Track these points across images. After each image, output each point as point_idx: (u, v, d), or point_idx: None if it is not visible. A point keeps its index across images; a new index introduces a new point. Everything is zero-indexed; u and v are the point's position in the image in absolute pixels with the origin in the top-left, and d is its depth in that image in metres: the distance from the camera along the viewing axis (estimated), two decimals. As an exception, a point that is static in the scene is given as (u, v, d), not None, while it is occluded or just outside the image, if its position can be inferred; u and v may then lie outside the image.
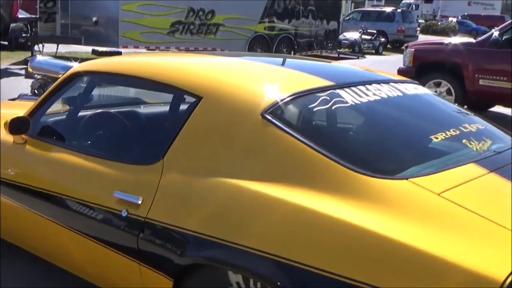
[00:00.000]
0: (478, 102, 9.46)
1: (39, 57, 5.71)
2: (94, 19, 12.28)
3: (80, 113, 2.84)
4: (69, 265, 2.62)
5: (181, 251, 1.92)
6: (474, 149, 2.09)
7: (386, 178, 1.75)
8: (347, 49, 21.83)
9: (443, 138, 2.08)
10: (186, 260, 1.91)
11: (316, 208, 1.71)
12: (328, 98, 2.11)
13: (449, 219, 1.61)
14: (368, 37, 23.33)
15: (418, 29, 37.66)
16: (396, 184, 1.74)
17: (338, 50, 19.75)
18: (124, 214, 2.13)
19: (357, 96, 2.19)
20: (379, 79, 2.51)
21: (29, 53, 12.02)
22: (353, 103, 2.13)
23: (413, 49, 9.48)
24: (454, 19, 42.32)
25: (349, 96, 2.16)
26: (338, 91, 2.19)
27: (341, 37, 22.36)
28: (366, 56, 20.96)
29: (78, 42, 12.31)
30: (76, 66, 2.88)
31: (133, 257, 2.13)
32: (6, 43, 12.94)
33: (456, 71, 8.84)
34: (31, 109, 2.82)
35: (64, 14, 12.66)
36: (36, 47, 12.38)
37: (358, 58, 20.31)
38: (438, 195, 1.69)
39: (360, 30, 22.86)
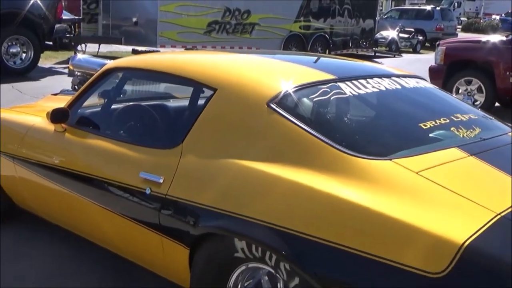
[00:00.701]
0: (509, 100, 9.48)
1: (79, 56, 6.14)
2: (134, 19, 12.75)
3: (113, 105, 3.16)
4: (100, 239, 2.94)
5: (196, 223, 2.21)
6: (461, 136, 2.30)
7: (372, 159, 1.99)
8: (383, 48, 21.82)
9: (432, 126, 2.31)
10: (200, 230, 2.19)
11: (311, 184, 1.96)
12: (328, 90, 2.36)
13: (423, 194, 1.85)
14: (406, 36, 23.23)
15: (460, 27, 37.18)
16: (380, 164, 1.98)
17: (374, 48, 19.77)
18: (148, 192, 2.42)
19: (356, 88, 2.44)
20: (381, 73, 2.74)
21: (72, 53, 12.55)
22: (351, 95, 2.38)
23: (445, 47, 9.54)
24: (497, 17, 41.54)
25: (348, 88, 2.41)
26: (338, 83, 2.44)
27: (378, 35, 22.35)
28: (403, 54, 20.91)
29: (118, 42, 12.79)
30: (109, 63, 3.22)
31: (155, 229, 2.42)
32: (51, 43, 13.51)
33: (487, 69, 8.87)
34: (70, 101, 3.16)
35: (106, 15, 13.19)
36: (79, 47, 12.92)
37: (394, 56, 20.29)
38: (417, 173, 1.92)
39: (398, 29, 22.80)
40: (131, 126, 2.98)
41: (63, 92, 4.69)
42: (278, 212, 1.97)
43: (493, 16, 43.96)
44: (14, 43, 10.48)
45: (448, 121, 2.39)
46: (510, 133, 2.54)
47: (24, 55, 10.67)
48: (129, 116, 3.04)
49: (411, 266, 1.65)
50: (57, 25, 11.29)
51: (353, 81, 2.49)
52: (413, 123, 2.37)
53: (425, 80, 3.00)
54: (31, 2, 10.44)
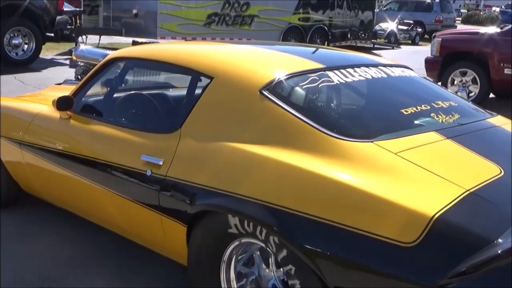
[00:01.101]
0: (503, 91, 9.64)
1: (82, 46, 6.32)
2: (134, 11, 12.88)
3: (115, 94, 3.32)
4: (103, 220, 3.12)
5: (193, 201, 2.38)
6: (440, 121, 2.47)
7: (355, 141, 2.17)
8: (382, 40, 21.93)
9: (413, 111, 2.48)
10: (196, 208, 2.36)
11: (298, 164, 2.13)
12: (317, 78, 2.53)
13: (400, 172, 2.02)
14: (405, 28, 23.34)
15: (459, 19, 37.21)
16: (362, 145, 2.15)
17: (372, 40, 19.89)
18: (148, 173, 2.60)
19: (344, 76, 2.61)
20: (368, 63, 2.91)
21: (73, 44, 12.70)
22: (338, 82, 2.55)
23: (440, 39, 9.68)
24: (497, 9, 41.58)
25: (336, 77, 2.58)
26: (327, 72, 2.61)
27: (377, 27, 22.44)
28: (402, 46, 21.03)
29: (119, 33, 12.93)
30: (112, 53, 3.38)
31: (155, 209, 2.59)
32: (52, 34, 13.67)
33: (481, 61, 9.02)
34: (74, 90, 3.33)
35: (107, 7, 13.31)
36: (80, 39, 13.06)
37: (393, 48, 20.42)
38: (395, 154, 2.10)
39: (397, 21, 22.90)
40: (133, 113, 3.15)
41: (66, 82, 4.86)
42: (268, 190, 2.14)
43: (493, 8, 43.98)
44: (16, 34, 10.63)
45: (428, 107, 2.56)
46: (487, 119, 2.71)
47: (26, 46, 10.82)
48: (131, 104, 3.21)
49: (386, 237, 1.82)
50: (58, 17, 11.44)
51: (341, 70, 2.66)
52: (395, 109, 2.54)
53: (411, 70, 3.16)
54: (33, -7, 10.59)
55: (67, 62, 11.29)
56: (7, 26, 10.37)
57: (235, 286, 2.37)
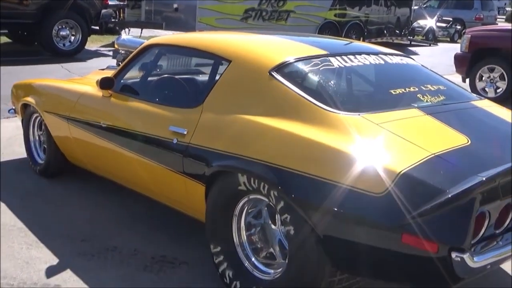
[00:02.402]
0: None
1: (123, 36, 6.90)
2: (175, 6, 13.43)
3: (150, 76, 3.80)
4: (137, 184, 3.61)
5: (210, 164, 2.83)
6: (425, 101, 2.86)
7: (346, 114, 2.58)
8: (420, 37, 21.98)
9: (401, 92, 2.87)
10: (212, 169, 2.81)
11: (297, 132, 2.55)
12: (319, 62, 2.95)
13: (379, 138, 2.42)
14: (444, 25, 23.31)
15: (503, 17, 36.63)
16: (351, 117, 2.56)
17: (409, 37, 19.99)
18: (175, 141, 3.06)
19: (344, 62, 3.02)
20: (369, 51, 3.31)
21: (117, 37, 13.35)
22: (338, 66, 2.96)
23: (470, 35, 9.89)
24: (544, 7, 40.69)
25: (337, 62, 3.00)
26: (329, 58, 3.02)
27: (415, 24, 22.49)
28: (439, 44, 21.05)
29: (159, 27, 13.51)
30: (148, 41, 3.87)
31: (180, 171, 3.06)
32: (97, 27, 14.40)
33: (509, 57, 9.20)
34: (115, 72, 3.83)
35: (149, 2, 13.92)
36: (123, 31, 13.72)
37: (429, 45, 20.48)
38: (377, 124, 2.50)
39: (436, 18, 22.89)
40: (164, 91, 3.63)
41: (109, 67, 5.41)
42: (271, 153, 2.57)
43: (539, 6, 42.99)
44: (64, 26, 11.33)
45: (417, 89, 2.94)
46: (471, 101, 3.08)
47: (72, 38, 11.53)
48: (163, 84, 3.69)
49: (363, 189, 2.23)
50: (103, 10, 12.12)
51: (342, 56, 3.08)
52: (385, 90, 2.94)
53: (412, 59, 3.54)
54: (81, -12, 11.27)
55: (110, 53, 11.95)
56: (56, 19, 11.07)
57: (245, 235, 2.82)
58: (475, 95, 3.28)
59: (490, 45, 9.52)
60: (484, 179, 2.03)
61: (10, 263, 3.17)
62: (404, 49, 18.07)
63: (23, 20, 10.86)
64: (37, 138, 4.68)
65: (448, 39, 22.69)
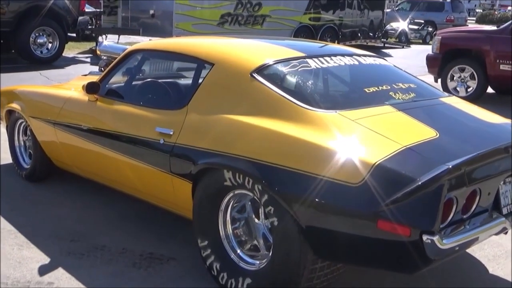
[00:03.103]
0: (499, 86, 10.12)
1: (105, 42, 7.02)
2: (151, 12, 13.55)
3: (135, 79, 3.93)
4: (124, 185, 3.73)
5: (196, 162, 2.97)
6: (397, 98, 3.05)
7: (323, 112, 2.75)
8: (393, 39, 22.38)
9: (374, 90, 3.06)
10: (198, 167, 2.96)
11: (277, 129, 2.72)
12: (297, 64, 3.12)
13: (354, 133, 2.60)
14: (416, 27, 23.77)
15: (474, 19, 37.41)
16: (328, 115, 2.74)
17: (383, 40, 20.37)
18: (161, 142, 3.20)
19: (320, 63, 3.21)
20: (344, 53, 3.50)
21: (93, 44, 13.41)
22: (315, 67, 3.14)
23: (440, 37, 10.20)
24: (513, 8, 41.64)
25: (313, 63, 3.18)
26: (307, 59, 3.20)
27: (388, 27, 22.87)
28: (412, 45, 21.45)
29: (136, 33, 13.60)
30: (131, 46, 4.00)
31: (167, 170, 3.20)
32: (74, 35, 14.43)
33: (478, 57, 9.52)
34: (100, 77, 3.96)
35: (125, 8, 14.02)
36: (100, 38, 13.77)
37: (403, 47, 20.86)
38: (353, 121, 2.68)
39: (408, 20, 23.33)
40: (149, 94, 3.77)
41: (91, 73, 5.52)
42: (254, 150, 2.73)
43: (509, 8, 44.00)
44: (41, 33, 11.36)
45: (389, 87, 3.14)
46: (440, 98, 3.28)
47: (50, 45, 11.55)
48: (148, 88, 3.83)
49: (341, 180, 2.40)
50: (80, 17, 12.16)
51: (319, 58, 3.26)
52: (359, 88, 3.13)
53: (385, 59, 3.74)
54: (56, -5, 11.32)
55: (88, 60, 12.03)
56: (32, 26, 11.10)
57: (230, 228, 2.97)
58: (444, 92, 3.47)
59: (460, 46, 9.84)
60: (450, 166, 2.22)
61: (2, 263, 3.27)
62: (378, 51, 18.40)
63: (-1, 28, 10.87)
64: (22, 143, 4.78)
65: (421, 41, 23.12)
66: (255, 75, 3.00)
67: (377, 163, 2.37)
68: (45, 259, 3.36)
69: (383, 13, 20.03)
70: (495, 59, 9.29)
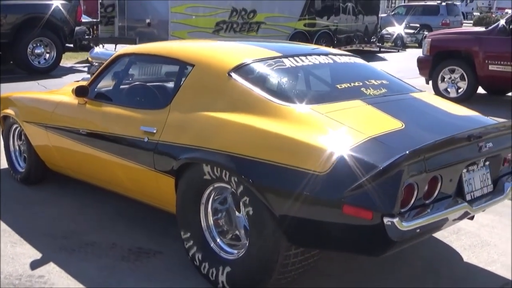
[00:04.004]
0: (489, 86, 10.28)
1: (96, 49, 7.21)
2: (147, 21, 13.78)
3: (122, 82, 4.10)
4: (113, 183, 3.88)
5: (177, 157, 3.13)
6: (368, 93, 3.21)
7: (295, 106, 2.91)
8: (389, 44, 22.58)
9: (346, 86, 3.23)
10: (180, 162, 3.11)
11: (253, 124, 2.87)
12: (273, 63, 3.29)
13: (324, 126, 2.76)
14: (411, 31, 23.98)
15: (471, 22, 37.57)
16: (301, 109, 2.90)
17: (378, 44, 20.55)
18: (146, 140, 3.36)
19: (295, 62, 3.37)
20: (320, 52, 3.66)
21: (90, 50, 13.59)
22: (290, 66, 3.31)
23: (430, 39, 10.37)
24: (510, 11, 41.81)
25: (289, 62, 3.34)
26: (283, 59, 3.37)
27: (384, 31, 23.13)
28: (408, 49, 21.62)
29: (133, 42, 13.75)
30: (119, 51, 4.17)
31: (151, 167, 3.35)
32: (71, 45, 14.62)
33: (468, 58, 9.67)
34: (89, 81, 4.13)
35: (122, 18, 14.26)
36: (95, 46, 13.96)
37: (398, 51, 21.05)
38: (323, 114, 2.84)
39: (403, 24, 23.54)
40: (135, 96, 3.94)
41: (84, 79, 5.68)
42: (230, 144, 2.89)
43: (506, 10, 44.15)
44: (38, 44, 11.56)
45: (361, 83, 3.30)
46: (410, 93, 3.44)
47: (47, 55, 11.75)
48: (134, 90, 4.01)
49: (309, 169, 2.55)
50: (77, 28, 12.36)
51: (294, 57, 3.42)
52: (332, 85, 3.30)
53: (360, 58, 3.91)
54: (53, 6, 11.51)
55: (85, 69, 12.19)
56: (30, 37, 11.30)
57: (211, 219, 3.12)
58: (417, 88, 3.63)
59: (450, 47, 10.01)
60: (407, 152, 2.36)
61: (-4, 260, 3.43)
62: (373, 56, 18.60)
63: (-3, 40, 11.07)
64: (17, 148, 4.94)
65: (417, 44, 23.26)
66: (232, 74, 3.17)
67: (342, 153, 2.52)
68: (37, 255, 3.51)
69: (377, 18, 20.24)
70: (484, 60, 9.45)
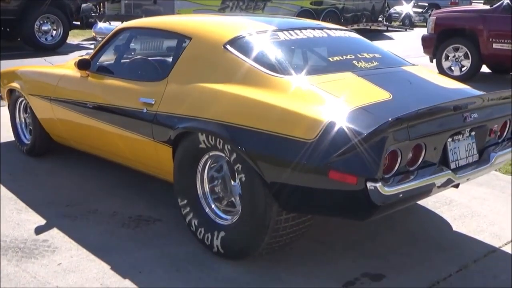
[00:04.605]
0: (493, 65, 10.29)
1: (99, 24, 7.32)
2: (153, -2, 13.84)
3: (122, 56, 4.21)
4: (114, 154, 4.01)
5: (174, 127, 3.25)
6: (359, 66, 3.30)
7: (287, 78, 3.01)
8: (397, 23, 22.47)
9: (338, 59, 3.32)
10: (177, 131, 3.23)
11: (246, 95, 2.98)
12: (268, 36, 3.39)
13: (314, 96, 2.86)
14: (420, 10, 23.86)
15: (482, 1, 37.14)
16: (292, 80, 3.00)
17: (385, 23, 20.48)
18: (144, 111, 3.48)
19: (289, 35, 3.46)
20: (315, 26, 3.75)
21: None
22: (283, 39, 3.40)
23: (435, 17, 10.37)
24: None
25: (283, 35, 3.43)
26: (277, 32, 3.46)
27: (391, 10, 23.01)
28: (415, 29, 21.53)
29: (139, 19, 13.85)
30: (120, 25, 4.28)
31: (150, 137, 3.47)
32: (78, 23, 14.74)
33: (472, 36, 9.68)
34: (91, 54, 4.24)
35: (128, -5, 14.32)
36: (99, 22, 14.06)
37: (406, 30, 20.97)
38: (313, 85, 2.94)
39: (412, 3, 23.40)
40: (135, 69, 4.04)
41: (87, 54, 5.78)
42: (223, 113, 3.00)
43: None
44: (45, 21, 11.67)
45: (353, 56, 3.39)
46: (402, 66, 3.53)
47: (54, 32, 11.87)
48: (134, 63, 4.12)
49: (298, 137, 2.66)
50: (83, 5, 12.47)
51: (289, 31, 3.51)
52: (324, 57, 3.39)
53: (355, 33, 3.99)
54: (60, -17, 11.61)
55: (92, 46, 12.31)
56: (37, 14, 11.41)
57: (207, 187, 3.25)
58: (410, 62, 3.71)
59: (454, 25, 10.01)
60: (390, 120, 2.46)
61: (2, 225, 3.57)
62: (380, 35, 18.56)
63: (5, 17, 11.17)
64: (23, 120, 5.08)
65: (425, 24, 23.08)
66: (228, 46, 3.27)
67: (330, 121, 2.63)
68: (42, 221, 3.66)
69: (385, -3, 20.12)
70: (488, 38, 9.46)
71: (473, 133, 3.04)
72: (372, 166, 2.47)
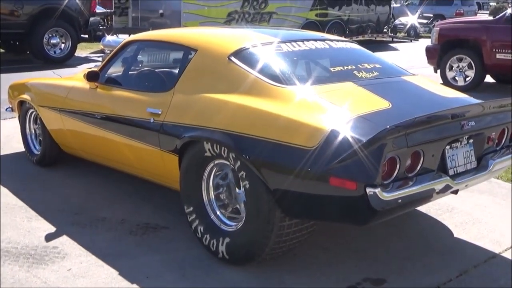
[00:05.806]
0: (497, 75, 10.36)
1: (108, 37, 7.48)
2: (160, 11, 14.01)
3: (130, 68, 4.32)
4: (122, 163, 4.11)
5: (181, 136, 3.35)
6: (360, 76, 3.39)
7: (289, 88, 3.11)
8: (402, 34, 22.57)
9: (339, 70, 3.42)
10: (183, 141, 3.33)
11: (249, 104, 3.08)
12: (271, 48, 3.49)
13: (317, 106, 2.96)
14: (425, 21, 23.94)
15: (487, 12, 37.29)
16: (294, 90, 3.10)
17: (390, 34, 20.59)
18: (152, 121, 3.58)
19: (292, 47, 3.57)
20: (317, 38, 3.85)
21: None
22: (286, 51, 3.50)
23: (438, 28, 10.47)
24: (527, 1, 41.37)
25: (286, 47, 3.54)
26: (280, 44, 3.56)
27: (397, 21, 23.12)
28: (421, 40, 21.63)
29: (146, 32, 14.03)
30: (128, 38, 4.40)
31: (157, 146, 3.57)
32: (86, 36, 14.94)
33: (476, 47, 9.77)
34: (100, 66, 4.36)
35: (135, 9, 14.51)
36: (107, 35, 14.24)
37: (411, 41, 21.08)
38: (315, 94, 3.03)
39: (417, 15, 23.50)
40: (142, 80, 4.16)
41: (96, 66, 5.92)
42: (227, 122, 3.10)
43: (523, 0, 43.64)
44: (54, 34, 11.86)
45: (354, 67, 3.49)
46: (402, 76, 3.62)
47: (63, 45, 12.05)
48: (141, 74, 4.23)
49: (300, 145, 2.75)
50: (91, 18, 12.65)
51: (292, 43, 3.62)
52: (326, 68, 3.49)
53: (357, 44, 4.09)
54: (68, -3, 11.82)
55: (100, 59, 12.47)
56: (45, 28, 11.61)
57: (213, 194, 3.34)
58: (410, 72, 3.80)
59: (458, 36, 10.10)
60: (388, 127, 2.55)
61: (13, 232, 3.68)
62: (385, 46, 18.68)
63: (14, 30, 11.37)
64: (33, 131, 5.20)
65: (430, 34, 23.21)
66: (232, 58, 3.38)
67: (331, 129, 2.72)
68: (52, 229, 3.76)
69: (390, 8, 20.26)
70: (491, 49, 9.55)
71: (471, 140, 3.13)
72: (371, 172, 2.55)
